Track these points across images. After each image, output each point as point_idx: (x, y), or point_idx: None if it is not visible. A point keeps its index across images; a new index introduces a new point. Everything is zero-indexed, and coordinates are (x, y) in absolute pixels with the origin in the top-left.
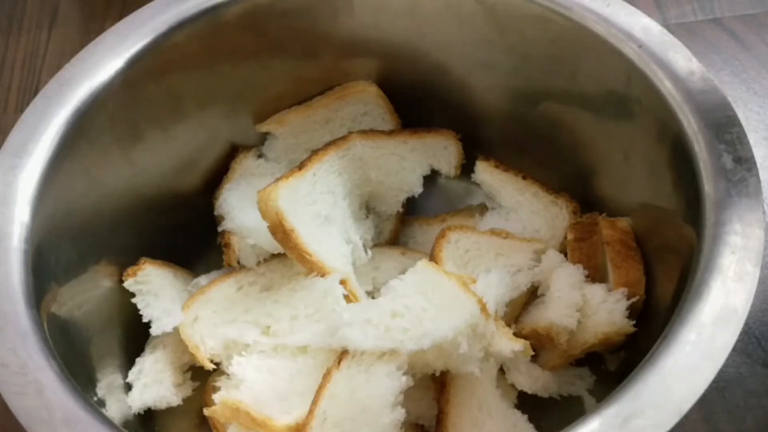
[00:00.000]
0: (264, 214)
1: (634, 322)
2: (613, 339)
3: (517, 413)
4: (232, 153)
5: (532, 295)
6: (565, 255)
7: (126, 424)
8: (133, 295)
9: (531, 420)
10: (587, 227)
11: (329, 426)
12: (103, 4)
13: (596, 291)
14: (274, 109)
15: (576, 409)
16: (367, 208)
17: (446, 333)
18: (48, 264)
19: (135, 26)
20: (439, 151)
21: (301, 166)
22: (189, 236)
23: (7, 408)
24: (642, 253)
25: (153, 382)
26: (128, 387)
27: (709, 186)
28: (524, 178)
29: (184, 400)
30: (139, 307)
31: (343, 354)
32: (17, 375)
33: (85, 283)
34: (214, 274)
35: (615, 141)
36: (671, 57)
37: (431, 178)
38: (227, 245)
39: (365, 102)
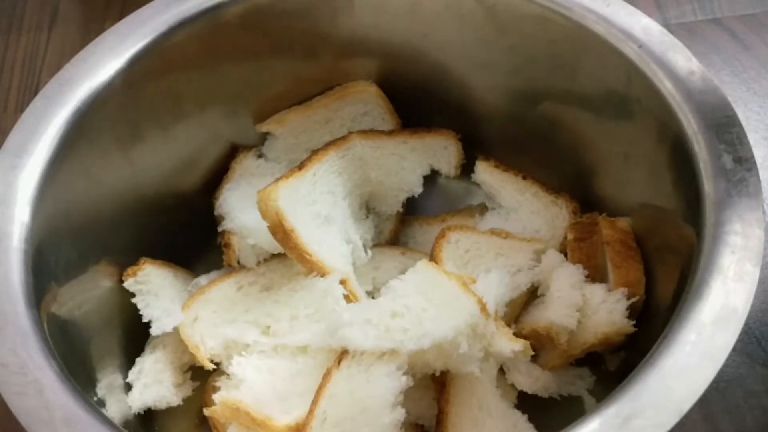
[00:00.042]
0: (264, 214)
1: (634, 322)
2: (613, 339)
3: (517, 413)
4: (232, 153)
5: (532, 295)
6: (565, 255)
7: (126, 424)
8: (133, 295)
9: (531, 420)
10: (587, 227)
11: (329, 426)
12: (103, 4)
13: (596, 291)
14: (274, 109)
15: (576, 409)
16: (367, 208)
17: (446, 333)
18: (48, 264)
19: (135, 26)
20: (439, 151)
21: (301, 166)
22: (189, 236)
23: (7, 408)
24: (642, 253)
25: (153, 382)
26: (128, 387)
27: (709, 186)
28: (524, 178)
29: (184, 400)
30: (139, 307)
31: (343, 354)
32: (17, 375)
33: (85, 283)
34: (214, 274)
35: (615, 141)
36: (671, 57)
37: (431, 178)
38: (227, 245)
39: (365, 102)
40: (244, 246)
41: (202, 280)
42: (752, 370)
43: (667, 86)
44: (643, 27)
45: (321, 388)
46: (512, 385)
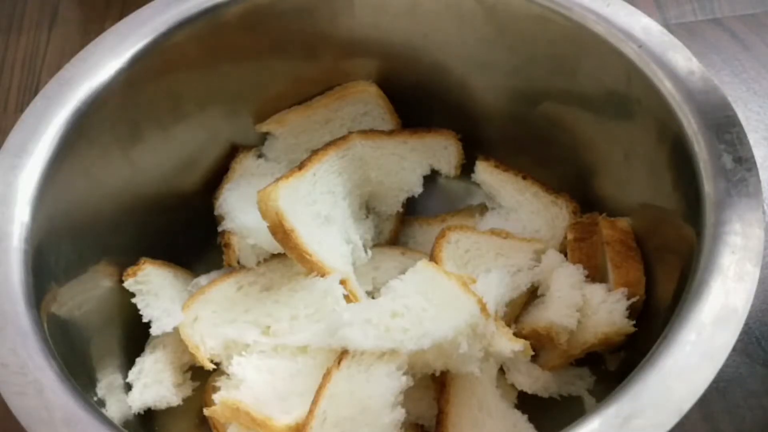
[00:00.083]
0: (264, 214)
1: (634, 322)
2: (613, 339)
3: (517, 413)
4: (232, 153)
5: (532, 295)
6: (565, 255)
7: (126, 424)
8: (133, 295)
9: (531, 420)
10: (587, 227)
11: (329, 426)
12: (103, 4)
13: (596, 291)
14: (274, 109)
15: (576, 409)
16: (367, 208)
17: (446, 333)
18: (48, 264)
19: (135, 26)
20: (439, 151)
21: (301, 166)
22: (189, 236)
23: (7, 408)
24: (642, 253)
25: (153, 382)
26: (128, 387)
27: (709, 186)
28: (524, 178)
29: (184, 400)
30: (139, 307)
31: (343, 354)
32: (17, 375)
33: (85, 283)
34: (214, 274)
35: (615, 141)
36: (671, 57)
37: (431, 178)
38: (227, 245)
39: (365, 102)
40: (244, 246)
41: (202, 280)
42: (752, 370)
43: (667, 86)
44: (643, 27)
45: (321, 388)
46: (512, 385)
